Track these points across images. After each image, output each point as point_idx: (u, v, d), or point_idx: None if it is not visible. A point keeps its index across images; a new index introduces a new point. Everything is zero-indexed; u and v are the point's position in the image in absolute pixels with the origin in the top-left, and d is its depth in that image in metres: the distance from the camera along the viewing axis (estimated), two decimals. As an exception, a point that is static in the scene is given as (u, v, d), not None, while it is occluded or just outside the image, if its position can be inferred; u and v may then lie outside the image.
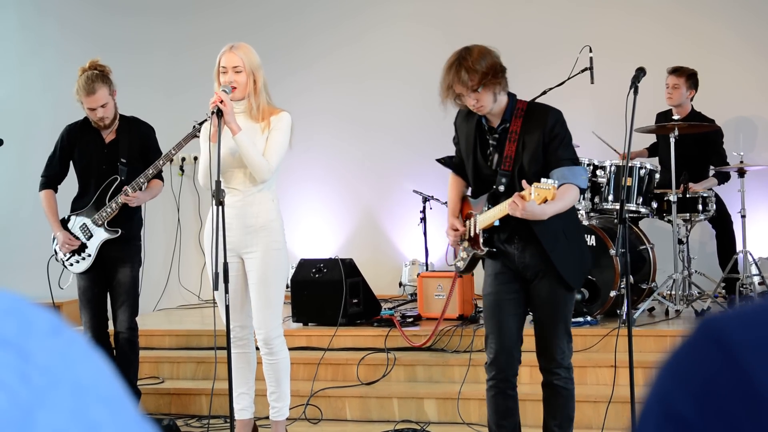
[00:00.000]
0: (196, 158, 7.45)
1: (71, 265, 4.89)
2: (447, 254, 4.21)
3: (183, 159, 8.07)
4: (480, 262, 3.86)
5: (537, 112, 3.58)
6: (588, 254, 3.93)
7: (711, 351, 0.57)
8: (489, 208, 3.63)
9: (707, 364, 0.56)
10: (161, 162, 4.81)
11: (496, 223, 3.59)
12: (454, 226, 3.82)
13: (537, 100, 3.68)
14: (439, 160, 5.29)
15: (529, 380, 4.61)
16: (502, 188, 3.58)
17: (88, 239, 4.85)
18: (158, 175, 4.91)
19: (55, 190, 5.00)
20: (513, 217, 3.45)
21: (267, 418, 4.48)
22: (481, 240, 3.69)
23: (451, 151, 3.98)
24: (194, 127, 4.61)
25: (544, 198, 3.28)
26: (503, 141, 3.59)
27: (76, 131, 4.94)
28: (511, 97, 3.60)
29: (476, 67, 3.42)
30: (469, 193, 3.87)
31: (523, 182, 3.37)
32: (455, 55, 3.52)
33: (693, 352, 0.58)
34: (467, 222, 3.80)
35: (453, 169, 3.94)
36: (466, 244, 3.83)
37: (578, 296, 5.28)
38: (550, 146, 3.52)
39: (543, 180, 3.30)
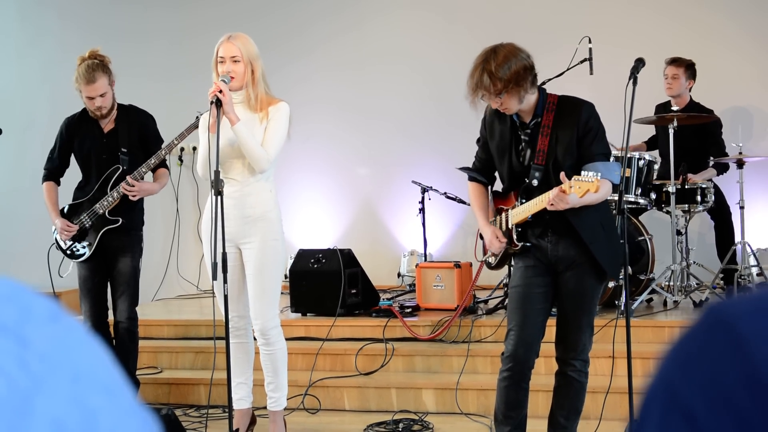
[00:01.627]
0: (194, 148, 7.45)
1: (71, 253, 4.89)
2: (476, 249, 4.14)
3: (182, 149, 8.06)
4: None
5: (569, 106, 3.55)
6: (620, 246, 3.87)
7: (718, 339, 0.56)
8: (522, 203, 3.59)
9: (714, 353, 0.56)
10: (163, 152, 4.81)
11: (529, 218, 3.56)
12: (496, 236, 3.67)
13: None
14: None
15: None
16: (535, 182, 3.54)
17: (89, 228, 4.86)
18: (163, 164, 4.91)
19: (58, 183, 5.01)
20: (547, 210, 3.43)
21: (265, 407, 4.49)
22: (514, 235, 3.65)
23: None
24: (197, 117, 4.60)
25: (586, 190, 3.25)
26: (535, 135, 3.55)
27: (75, 123, 4.94)
28: (542, 91, 3.57)
29: (499, 74, 3.36)
30: (493, 190, 3.82)
31: (562, 175, 3.33)
32: (482, 55, 3.45)
33: (700, 339, 0.58)
34: (497, 217, 3.76)
35: (472, 173, 3.82)
36: None
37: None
38: (584, 140, 3.49)
39: (583, 173, 3.28)
